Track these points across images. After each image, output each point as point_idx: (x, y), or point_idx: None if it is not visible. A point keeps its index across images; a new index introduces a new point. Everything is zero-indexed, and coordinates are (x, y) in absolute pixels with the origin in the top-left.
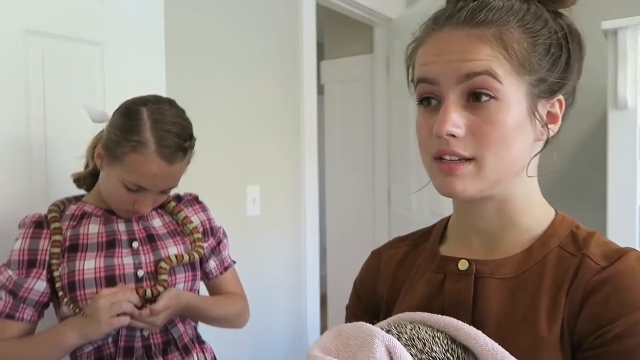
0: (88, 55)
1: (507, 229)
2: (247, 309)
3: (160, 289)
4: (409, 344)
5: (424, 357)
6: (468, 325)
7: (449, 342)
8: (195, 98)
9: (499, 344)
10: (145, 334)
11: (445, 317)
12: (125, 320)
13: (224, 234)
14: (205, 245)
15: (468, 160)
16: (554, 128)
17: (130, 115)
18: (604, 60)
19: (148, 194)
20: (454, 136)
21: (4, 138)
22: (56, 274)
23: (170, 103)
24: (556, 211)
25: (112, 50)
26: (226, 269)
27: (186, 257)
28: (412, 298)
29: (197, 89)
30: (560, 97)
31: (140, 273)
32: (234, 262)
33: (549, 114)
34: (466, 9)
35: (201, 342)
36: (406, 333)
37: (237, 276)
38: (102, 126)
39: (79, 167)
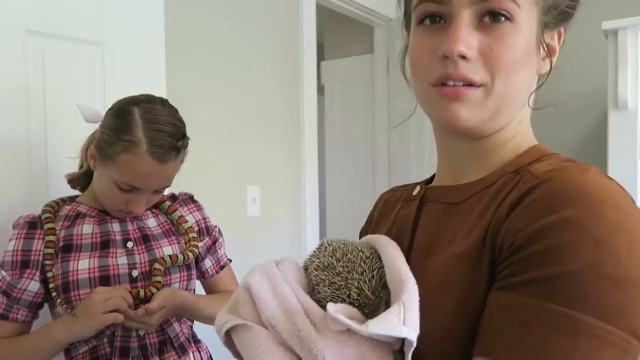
0: (88, 55)
1: (479, 163)
2: None
3: (154, 290)
4: (329, 249)
5: (337, 255)
6: (388, 240)
7: (371, 254)
8: (195, 98)
9: (424, 263)
10: (141, 333)
11: (379, 235)
12: (119, 317)
13: (219, 232)
14: (200, 244)
15: (476, 85)
16: (553, 60)
17: (122, 115)
18: (604, 60)
19: (141, 194)
20: (464, 57)
21: (4, 138)
22: (50, 274)
23: (162, 102)
24: (538, 143)
25: (112, 50)
26: (222, 267)
27: (180, 258)
28: (382, 229)
29: (197, 89)
30: (561, 28)
31: (135, 273)
32: (230, 261)
33: (548, 45)
34: None
35: (197, 341)
36: (335, 242)
37: (233, 274)
38: (97, 126)
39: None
